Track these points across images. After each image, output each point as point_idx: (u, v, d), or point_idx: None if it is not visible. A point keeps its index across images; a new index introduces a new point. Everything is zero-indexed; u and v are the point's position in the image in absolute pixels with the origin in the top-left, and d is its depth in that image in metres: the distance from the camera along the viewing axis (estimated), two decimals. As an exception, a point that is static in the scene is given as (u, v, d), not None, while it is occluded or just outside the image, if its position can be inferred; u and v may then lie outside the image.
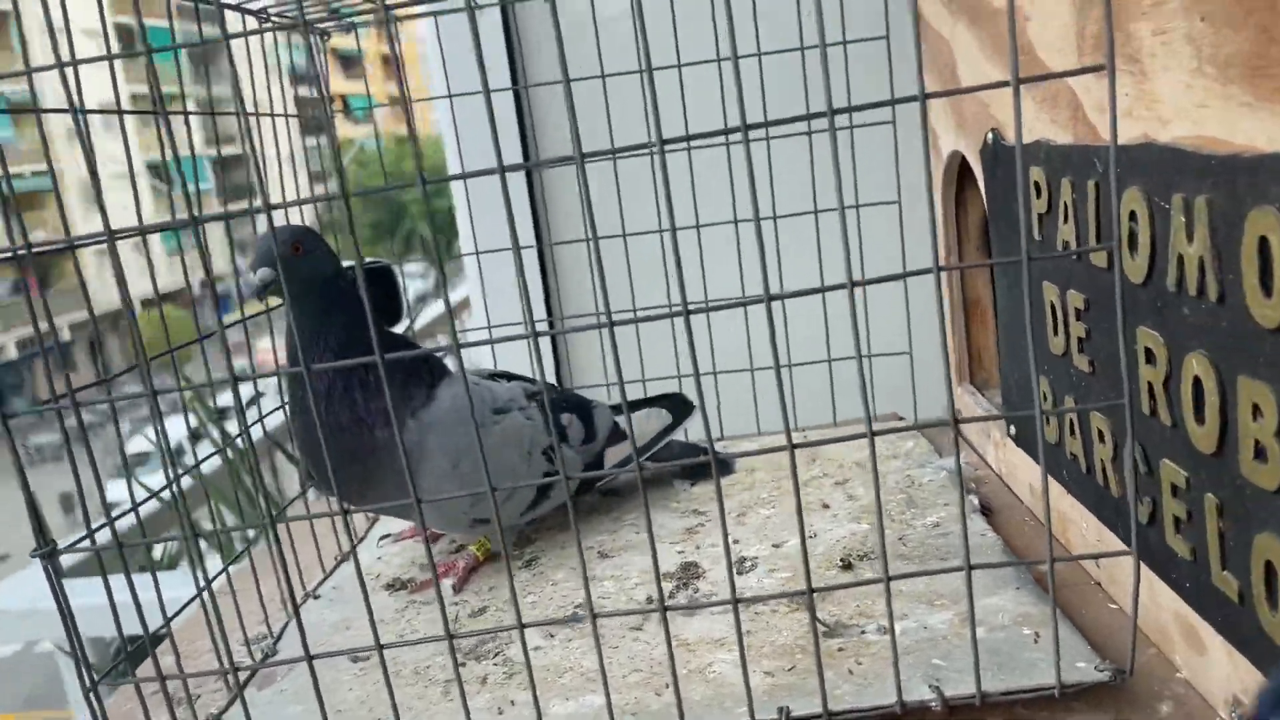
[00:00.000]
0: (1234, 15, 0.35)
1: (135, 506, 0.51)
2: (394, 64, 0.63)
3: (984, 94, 0.63)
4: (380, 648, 0.45)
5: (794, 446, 0.42)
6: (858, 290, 0.38)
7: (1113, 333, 0.49)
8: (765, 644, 0.52)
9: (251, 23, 0.75)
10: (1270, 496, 0.36)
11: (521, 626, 0.44)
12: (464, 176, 0.41)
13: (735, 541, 0.67)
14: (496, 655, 0.56)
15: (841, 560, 0.61)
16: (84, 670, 0.46)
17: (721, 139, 0.64)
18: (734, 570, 0.62)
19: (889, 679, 0.46)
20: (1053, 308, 0.55)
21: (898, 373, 0.87)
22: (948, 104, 0.72)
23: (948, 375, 0.39)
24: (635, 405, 0.80)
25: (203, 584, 0.53)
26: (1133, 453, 0.41)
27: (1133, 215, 0.43)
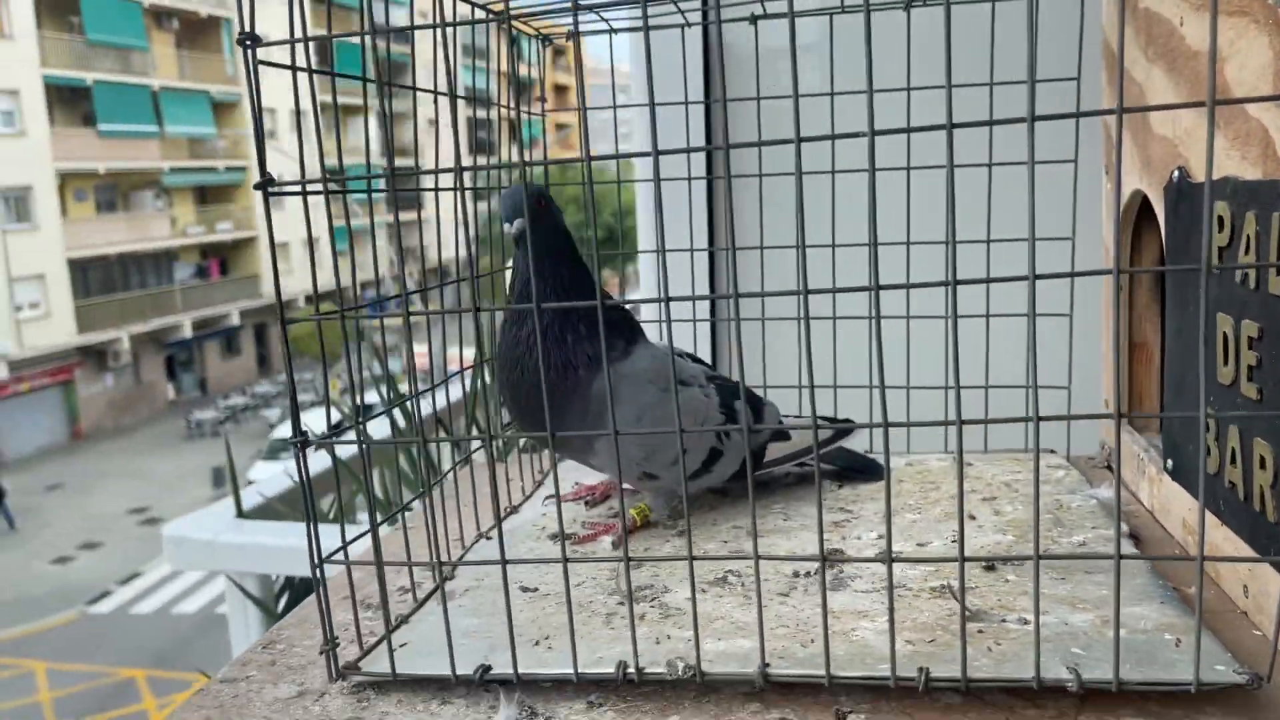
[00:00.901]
0: None
1: (386, 410, 0.58)
2: (578, 77, 0.70)
3: (1172, 134, 0.65)
4: (565, 561, 0.51)
5: (962, 422, 0.45)
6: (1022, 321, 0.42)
7: None
8: (907, 620, 0.56)
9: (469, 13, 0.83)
10: None
11: (691, 559, 0.50)
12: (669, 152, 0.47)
13: (879, 537, 0.70)
14: (653, 600, 0.61)
15: (986, 563, 0.63)
16: (314, 544, 0.53)
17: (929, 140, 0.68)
18: (878, 558, 0.65)
19: (1027, 660, 0.49)
20: (1225, 338, 0.57)
21: (1053, 410, 0.88)
22: (1133, 145, 0.74)
23: (1116, 361, 0.43)
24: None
25: (413, 495, 0.60)
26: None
27: None
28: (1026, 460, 0.84)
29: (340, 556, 0.56)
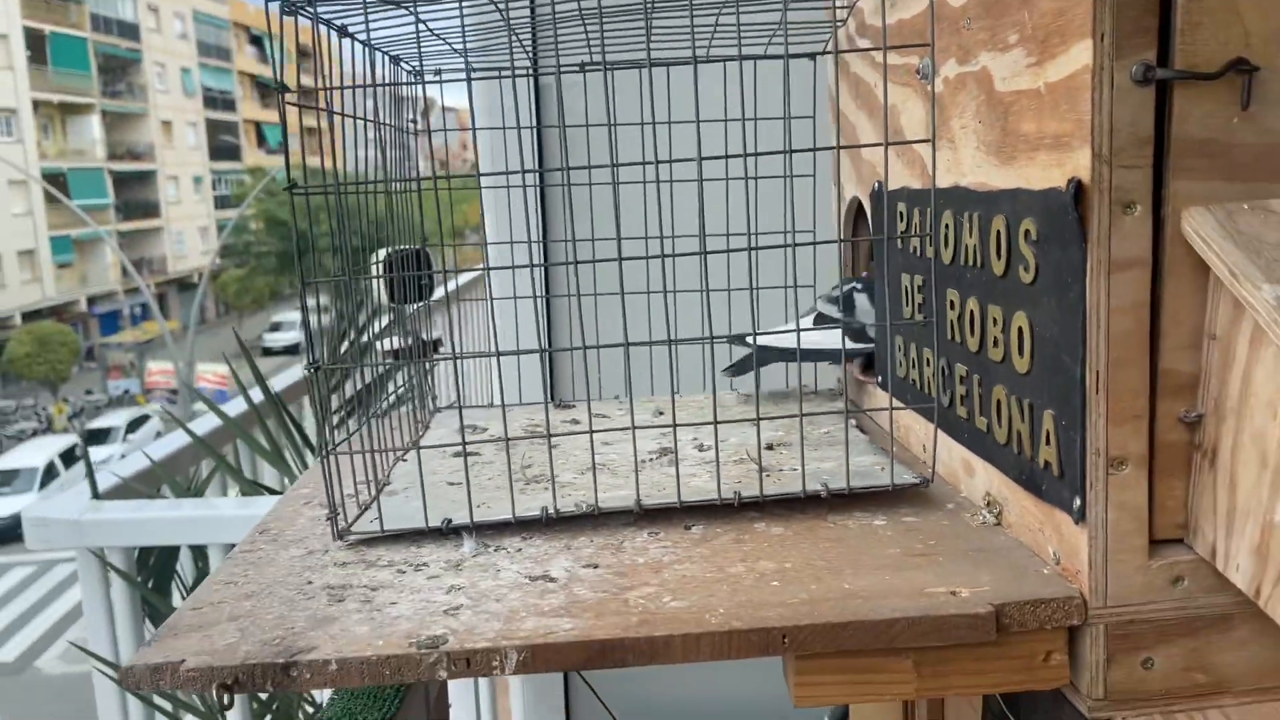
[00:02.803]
0: (992, 119, 0.70)
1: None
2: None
3: (873, 158, 0.99)
4: (508, 439, 0.76)
5: (714, 339, 0.75)
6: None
7: (940, 301, 0.84)
8: (723, 475, 0.85)
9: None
10: (997, 365, 0.71)
11: (634, 428, 0.76)
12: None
13: (695, 438, 0.99)
14: (550, 480, 0.87)
15: (767, 444, 0.94)
16: (322, 438, 0.75)
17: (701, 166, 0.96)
18: (695, 450, 0.95)
19: (797, 485, 0.79)
20: (905, 289, 0.90)
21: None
22: (850, 166, 1.08)
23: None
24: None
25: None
26: (932, 358, 0.76)
27: (947, 225, 0.78)
28: (787, 394, 1.17)
29: (343, 448, 0.78)
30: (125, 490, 1.57)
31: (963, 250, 0.76)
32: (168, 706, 1.54)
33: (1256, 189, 0.57)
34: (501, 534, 0.78)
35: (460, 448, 1.00)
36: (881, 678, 0.63)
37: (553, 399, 1.38)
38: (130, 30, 29.98)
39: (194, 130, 32.21)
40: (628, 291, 0.88)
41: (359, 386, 0.92)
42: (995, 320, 0.71)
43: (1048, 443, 0.65)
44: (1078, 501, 0.61)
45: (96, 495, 1.55)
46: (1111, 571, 0.61)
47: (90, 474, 1.55)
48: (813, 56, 1.16)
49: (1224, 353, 0.57)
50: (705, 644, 0.60)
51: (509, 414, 1.14)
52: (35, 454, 16.34)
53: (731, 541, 0.74)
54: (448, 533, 0.78)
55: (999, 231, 0.69)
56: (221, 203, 32.82)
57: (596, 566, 0.71)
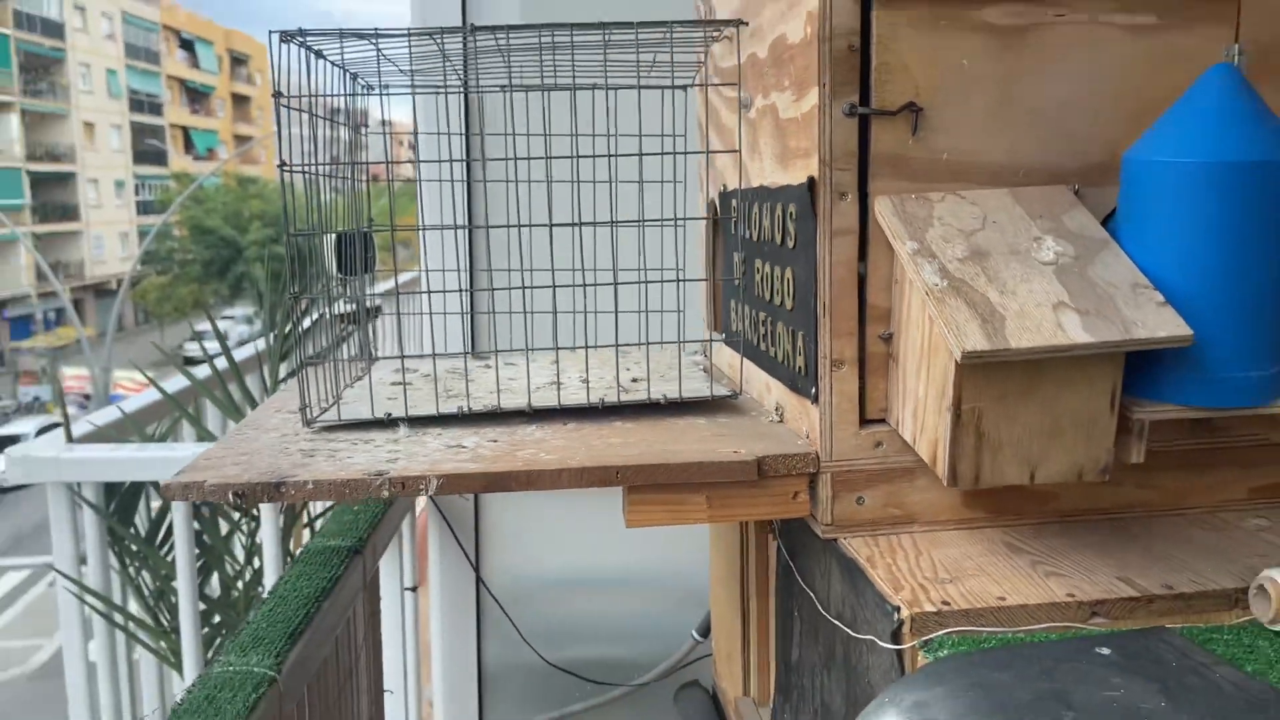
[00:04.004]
0: (778, 137, 1.02)
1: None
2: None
3: (720, 165, 1.30)
4: (436, 356, 1.05)
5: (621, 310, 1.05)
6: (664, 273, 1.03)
7: (751, 269, 1.15)
8: (594, 394, 1.15)
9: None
10: (779, 308, 1.03)
11: (529, 349, 1.06)
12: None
13: (580, 375, 1.29)
14: (467, 394, 1.16)
15: (632, 378, 1.25)
16: (301, 354, 1.03)
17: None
18: (578, 381, 1.25)
19: (644, 393, 1.09)
20: (735, 263, 1.22)
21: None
22: (710, 176, 1.39)
23: (709, 290, 1.04)
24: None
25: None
26: (749, 310, 1.07)
27: (755, 213, 1.10)
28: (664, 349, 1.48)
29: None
30: (97, 436, 1.80)
31: (762, 230, 1.08)
32: (121, 620, 1.78)
33: (923, 187, 0.90)
34: (427, 425, 1.07)
35: (397, 380, 1.29)
36: (685, 507, 0.93)
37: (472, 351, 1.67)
38: (55, 29, 29.47)
39: (118, 133, 31.70)
40: (538, 269, 1.17)
41: (321, 342, 1.20)
42: (778, 276, 1.03)
43: (801, 354, 0.96)
44: (814, 390, 0.93)
45: (70, 440, 1.78)
46: (835, 437, 0.92)
47: (66, 422, 1.78)
48: (685, 88, 1.47)
49: (901, 291, 0.89)
50: (566, 476, 0.90)
51: (436, 363, 1.43)
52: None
53: (595, 430, 1.04)
54: (388, 424, 1.06)
55: (779, 215, 1.01)
56: (144, 208, 32.31)
57: (496, 441, 1.00)
